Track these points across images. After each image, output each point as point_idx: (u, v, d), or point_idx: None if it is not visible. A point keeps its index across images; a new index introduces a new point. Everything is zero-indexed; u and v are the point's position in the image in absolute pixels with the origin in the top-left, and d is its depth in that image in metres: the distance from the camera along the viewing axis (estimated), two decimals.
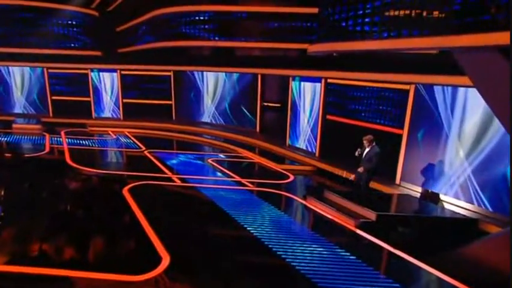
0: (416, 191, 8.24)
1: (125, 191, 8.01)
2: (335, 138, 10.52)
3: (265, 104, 14.96)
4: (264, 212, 7.31)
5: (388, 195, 8.26)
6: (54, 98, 17.03)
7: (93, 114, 17.07)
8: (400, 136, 8.65)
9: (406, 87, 8.61)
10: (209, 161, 11.33)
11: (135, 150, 12.49)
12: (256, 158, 11.95)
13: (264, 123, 15.03)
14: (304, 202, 7.98)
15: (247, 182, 9.34)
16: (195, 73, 16.70)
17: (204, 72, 16.44)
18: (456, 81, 7.26)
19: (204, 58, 16.09)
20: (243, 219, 6.83)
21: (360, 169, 7.05)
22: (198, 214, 7.21)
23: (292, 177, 9.87)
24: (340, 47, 7.69)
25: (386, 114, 9.28)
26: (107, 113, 17.25)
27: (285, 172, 10.33)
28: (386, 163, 8.81)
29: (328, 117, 10.98)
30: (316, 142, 11.57)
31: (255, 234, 6.24)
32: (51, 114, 16.89)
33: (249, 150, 12.66)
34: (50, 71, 16.79)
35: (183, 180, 9.26)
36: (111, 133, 14.98)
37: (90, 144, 13.03)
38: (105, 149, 12.68)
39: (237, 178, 9.62)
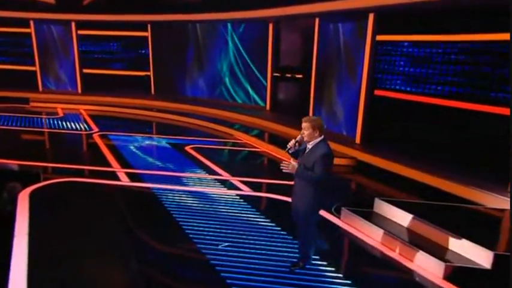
0: None
1: (25, 194, 5.65)
2: (388, 116, 8.52)
3: (280, 74, 12.32)
4: (262, 238, 4.68)
5: (496, 215, 5.36)
6: None
7: (40, 87, 14.94)
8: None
9: None
10: (187, 149, 8.76)
11: (81, 132, 10.16)
12: (263, 147, 9.32)
13: (277, 98, 12.57)
14: (334, 219, 5.36)
15: (241, 182, 6.70)
16: (185, 26, 14.21)
17: (194, 27, 13.94)
18: None
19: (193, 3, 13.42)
20: (220, 256, 4.28)
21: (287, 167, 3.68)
22: (134, 242, 4.61)
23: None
24: None
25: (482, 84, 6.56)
26: (61, 85, 15.12)
27: None
28: (487, 158, 6.07)
29: (377, 92, 8.74)
30: (357, 124, 8.82)
31: None
32: None
33: (252, 136, 10.08)
34: None
35: (134, 177, 6.77)
36: (59, 110, 12.79)
37: (18, 123, 10.95)
38: (35, 129, 10.40)
39: (226, 176, 7.02)
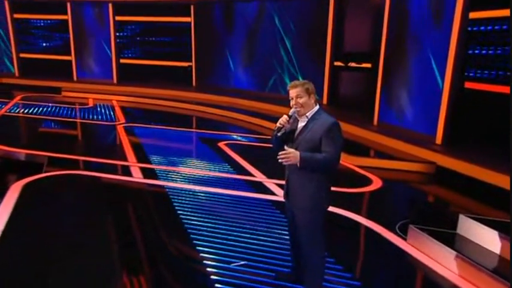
0: None
1: (17, 186, 5.37)
2: (479, 114, 7.58)
3: (343, 63, 11.40)
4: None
5: None
6: (23, 55, 16.35)
7: (75, 76, 15.44)
8: None
9: None
10: (220, 145, 8.16)
11: (105, 123, 10.04)
12: None
13: (337, 90, 11.76)
14: (398, 241, 4.40)
15: (278, 186, 5.91)
16: (230, 9, 13.79)
17: (241, 9, 13.45)
18: None
19: None
20: (232, 278, 3.55)
21: (287, 155, 2.79)
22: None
23: (379, 184, 6.30)
24: None
25: None
26: (96, 75, 15.55)
27: (365, 173, 6.79)
28: None
29: (468, 84, 7.89)
30: (438, 120, 7.74)
31: None
32: (16, 75, 16.09)
33: None
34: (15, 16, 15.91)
35: (149, 173, 6.32)
36: (90, 101, 13.00)
37: (43, 112, 11.19)
38: (58, 119, 10.46)
39: (260, 177, 6.31)
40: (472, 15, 7.52)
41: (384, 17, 9.04)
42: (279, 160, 2.79)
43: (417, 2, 8.20)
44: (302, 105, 2.91)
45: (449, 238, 4.16)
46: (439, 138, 7.60)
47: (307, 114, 2.93)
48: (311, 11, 11.95)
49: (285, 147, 2.86)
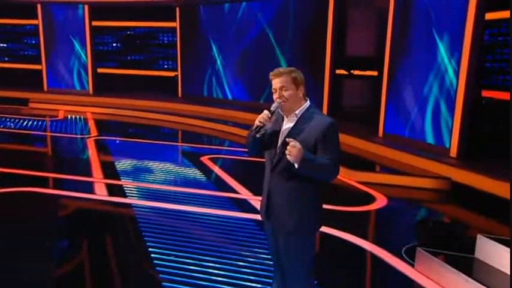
0: None
1: None
2: (499, 124, 7.49)
3: (346, 71, 11.37)
4: None
5: None
6: None
7: (45, 86, 15.41)
8: None
9: None
10: (203, 159, 7.93)
11: (74, 136, 9.91)
12: None
13: (339, 100, 11.57)
14: (404, 267, 4.13)
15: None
16: (219, 11, 13.73)
17: (231, 11, 13.40)
18: None
19: None
20: None
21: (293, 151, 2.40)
22: None
23: (384, 202, 6.13)
24: None
25: None
26: (68, 85, 15.51)
27: (368, 190, 6.61)
28: None
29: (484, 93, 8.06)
30: (452, 128, 7.60)
31: None
32: None
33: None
34: None
35: (116, 190, 6.14)
36: (60, 113, 12.93)
37: (3, 125, 11.07)
38: (20, 132, 10.45)
39: (245, 195, 6.15)
40: (489, 16, 7.38)
41: (388, 17, 8.91)
42: (287, 151, 2.39)
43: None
44: (288, 99, 2.57)
45: (466, 263, 3.95)
46: (453, 151, 7.42)
47: (296, 111, 2.59)
48: (309, 10, 11.82)
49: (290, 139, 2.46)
